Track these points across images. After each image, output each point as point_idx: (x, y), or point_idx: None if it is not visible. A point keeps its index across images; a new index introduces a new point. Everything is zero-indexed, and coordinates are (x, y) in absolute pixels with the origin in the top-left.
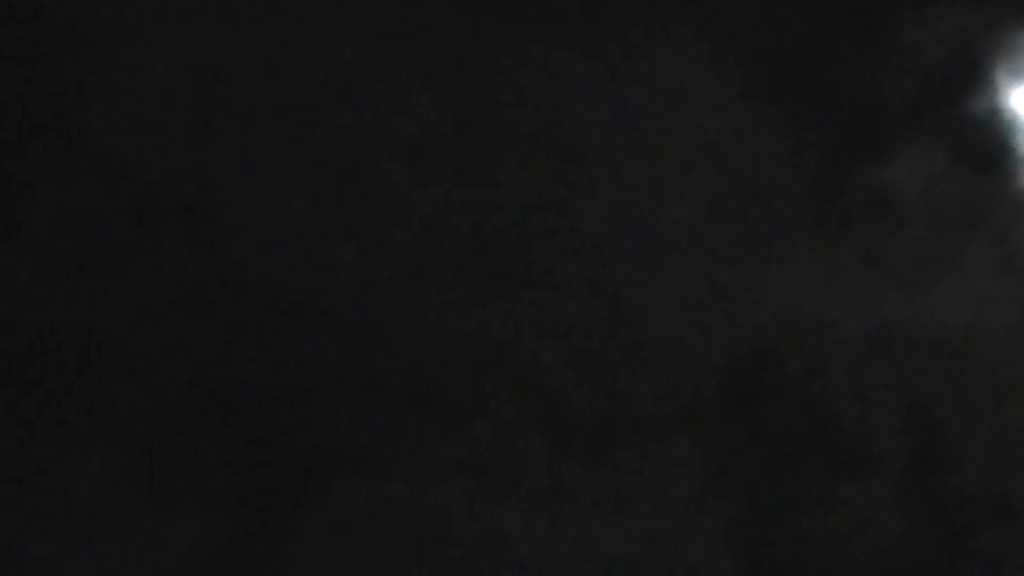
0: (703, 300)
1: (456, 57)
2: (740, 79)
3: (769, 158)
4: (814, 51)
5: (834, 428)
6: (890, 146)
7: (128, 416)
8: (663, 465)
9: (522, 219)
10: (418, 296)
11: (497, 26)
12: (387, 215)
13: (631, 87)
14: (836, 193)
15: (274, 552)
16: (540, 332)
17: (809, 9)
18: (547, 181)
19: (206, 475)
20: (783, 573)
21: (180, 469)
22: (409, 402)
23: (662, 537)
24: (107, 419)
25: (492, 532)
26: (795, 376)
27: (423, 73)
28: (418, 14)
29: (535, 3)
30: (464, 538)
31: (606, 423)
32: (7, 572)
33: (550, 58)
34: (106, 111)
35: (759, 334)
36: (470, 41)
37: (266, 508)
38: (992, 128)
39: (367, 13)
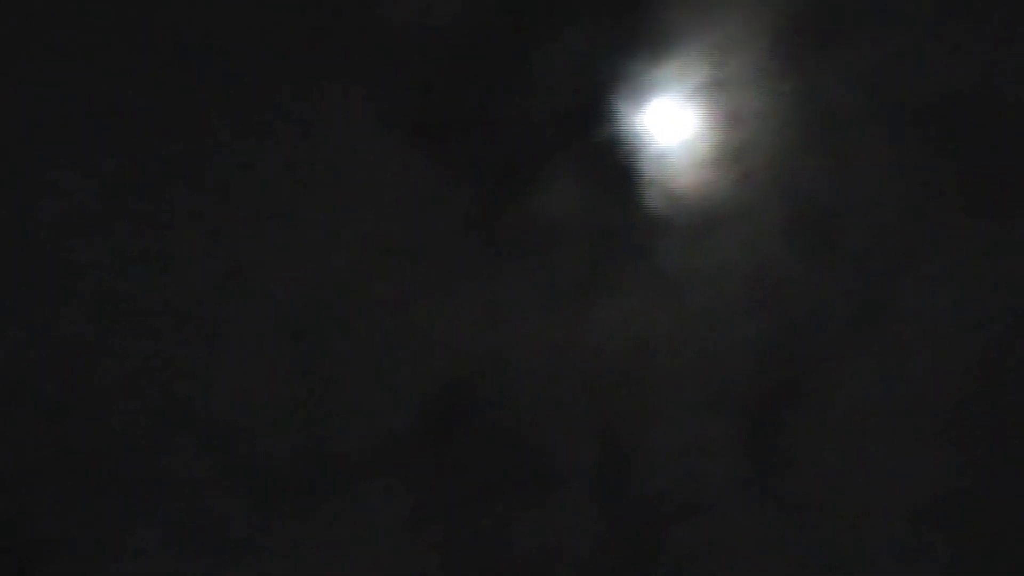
0: (389, 341)
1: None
2: (392, 129)
3: (427, 200)
4: (451, 93)
5: (526, 448)
6: (535, 177)
7: None
8: (370, 505)
9: (221, 284)
10: (98, 367)
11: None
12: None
13: (302, 147)
14: (491, 227)
15: None
16: (231, 387)
17: (440, 51)
18: (233, 239)
19: None
20: None
21: None
22: (97, 483)
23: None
24: None
25: None
26: (483, 404)
27: None
28: None
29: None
30: None
31: (307, 470)
32: None
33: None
34: None
35: (444, 368)
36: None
37: None
38: (620, 153)
39: None
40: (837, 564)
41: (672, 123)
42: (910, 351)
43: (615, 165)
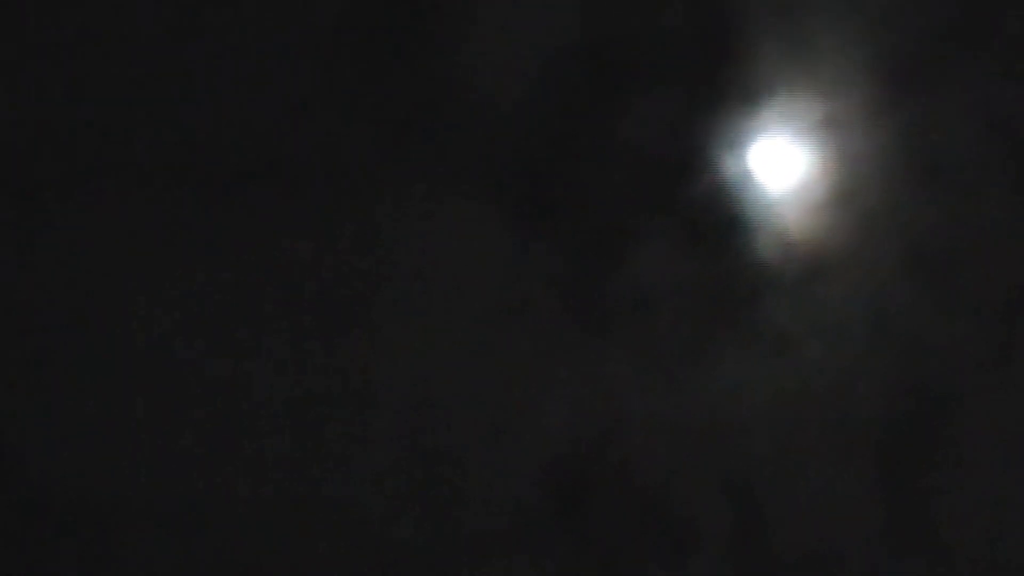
0: (508, 417)
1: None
2: (486, 212)
3: (526, 278)
4: (540, 170)
5: (655, 516)
6: (633, 241)
7: None
8: None
9: (324, 380)
10: (226, 471)
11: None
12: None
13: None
14: (592, 298)
15: None
16: (360, 478)
17: (526, 121)
18: (347, 343)
19: None
20: None
21: None
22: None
23: None
24: None
25: None
26: (607, 477)
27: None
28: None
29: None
30: None
31: (437, 553)
32: None
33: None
34: None
35: (561, 445)
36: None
37: None
38: (722, 204)
39: None
40: None
41: (776, 168)
42: None
43: (716, 218)
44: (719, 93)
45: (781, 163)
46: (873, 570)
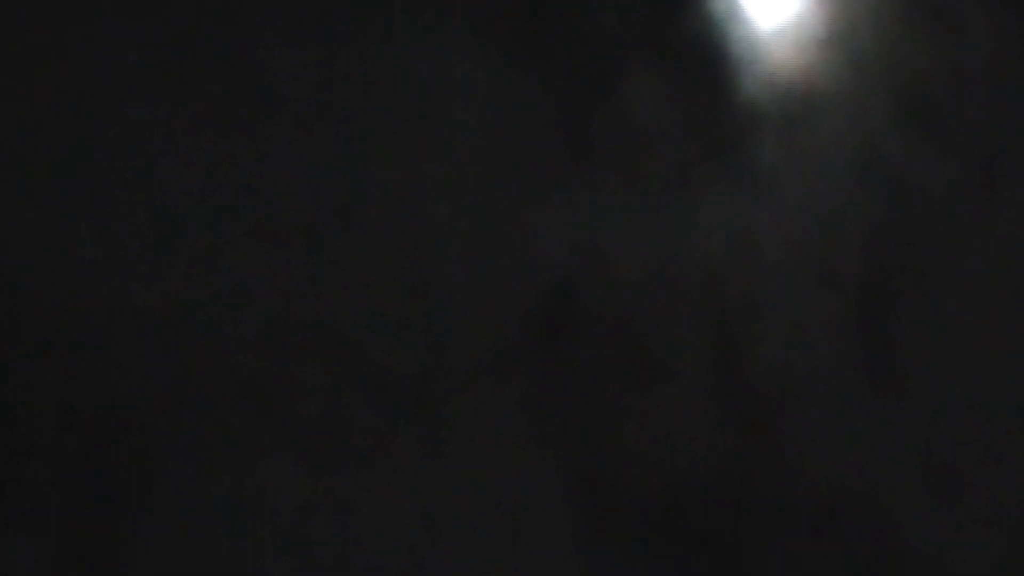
0: (490, 250)
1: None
2: (479, 42)
3: (516, 109)
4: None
5: (635, 345)
6: (620, 74)
7: None
8: (486, 408)
9: (310, 191)
10: (214, 280)
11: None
12: (138, 199)
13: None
14: (581, 128)
15: (119, 557)
16: (349, 300)
17: None
18: (336, 156)
19: (28, 502)
20: (615, 488)
21: (4, 501)
22: (224, 396)
23: (492, 481)
24: None
25: (324, 502)
26: (590, 304)
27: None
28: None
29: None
30: (299, 512)
31: (424, 378)
32: None
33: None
34: None
35: (547, 272)
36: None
37: (97, 522)
38: (710, 42)
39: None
40: (946, 451)
41: (768, 5)
42: None
43: (706, 54)
44: None
45: (773, 0)
46: (844, 405)
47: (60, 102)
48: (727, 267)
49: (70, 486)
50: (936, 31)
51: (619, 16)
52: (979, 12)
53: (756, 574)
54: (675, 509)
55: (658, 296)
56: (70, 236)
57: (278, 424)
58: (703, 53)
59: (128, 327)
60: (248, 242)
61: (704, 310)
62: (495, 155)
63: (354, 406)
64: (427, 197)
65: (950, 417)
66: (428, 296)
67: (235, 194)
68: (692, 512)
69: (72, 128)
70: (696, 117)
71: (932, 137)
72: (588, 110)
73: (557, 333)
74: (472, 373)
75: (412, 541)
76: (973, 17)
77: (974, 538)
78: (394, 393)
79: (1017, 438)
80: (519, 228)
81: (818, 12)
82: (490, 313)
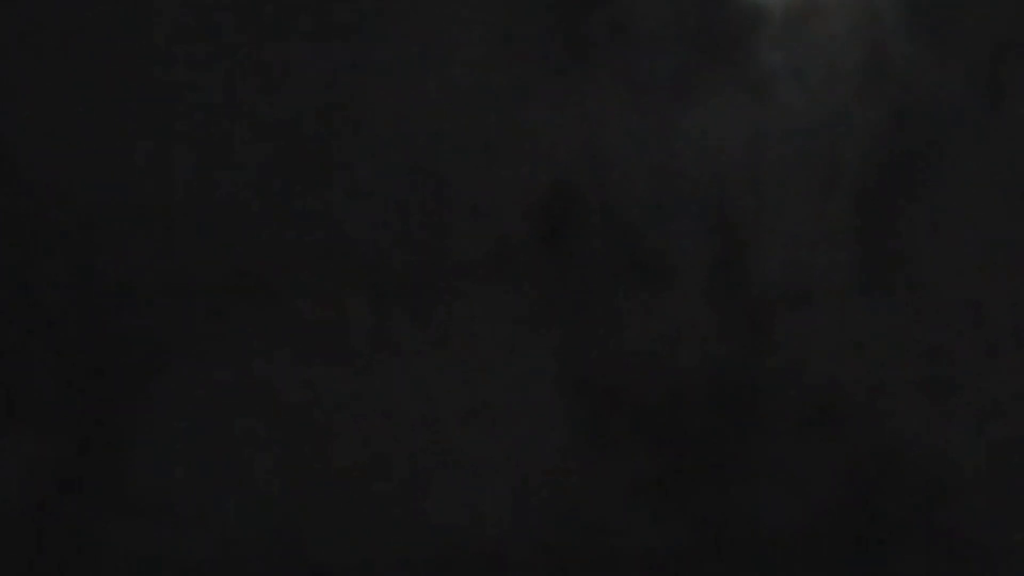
0: (490, 146)
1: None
2: None
3: (514, 9)
4: None
5: (637, 245)
6: None
7: None
8: (485, 306)
9: (313, 97)
10: (219, 178)
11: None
12: (169, 106)
13: None
14: (576, 29)
15: (120, 447)
16: (347, 196)
17: None
18: (336, 64)
19: (33, 393)
20: (614, 387)
21: (3, 393)
22: (224, 287)
23: (494, 373)
24: None
25: (323, 394)
26: (591, 204)
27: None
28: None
29: None
30: (297, 403)
31: (423, 275)
32: None
33: None
34: None
35: (548, 170)
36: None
37: (98, 413)
38: None
39: None
40: (944, 352)
41: None
42: None
43: None
44: None
45: None
46: (844, 308)
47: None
48: (728, 170)
49: (72, 377)
50: None
51: None
52: None
53: (753, 471)
54: (674, 409)
55: (659, 198)
56: (78, 131)
57: (277, 317)
58: None
59: (134, 221)
60: (255, 139)
61: (705, 213)
62: (494, 60)
63: (352, 301)
64: (428, 100)
65: (949, 320)
66: (428, 195)
67: (246, 93)
68: (691, 412)
69: (86, 31)
70: (696, 20)
71: (938, 43)
72: (586, 13)
73: (557, 233)
74: (472, 269)
75: (409, 434)
76: None
77: (971, 430)
78: (393, 288)
79: (1015, 339)
80: (518, 129)
81: None
82: (490, 212)
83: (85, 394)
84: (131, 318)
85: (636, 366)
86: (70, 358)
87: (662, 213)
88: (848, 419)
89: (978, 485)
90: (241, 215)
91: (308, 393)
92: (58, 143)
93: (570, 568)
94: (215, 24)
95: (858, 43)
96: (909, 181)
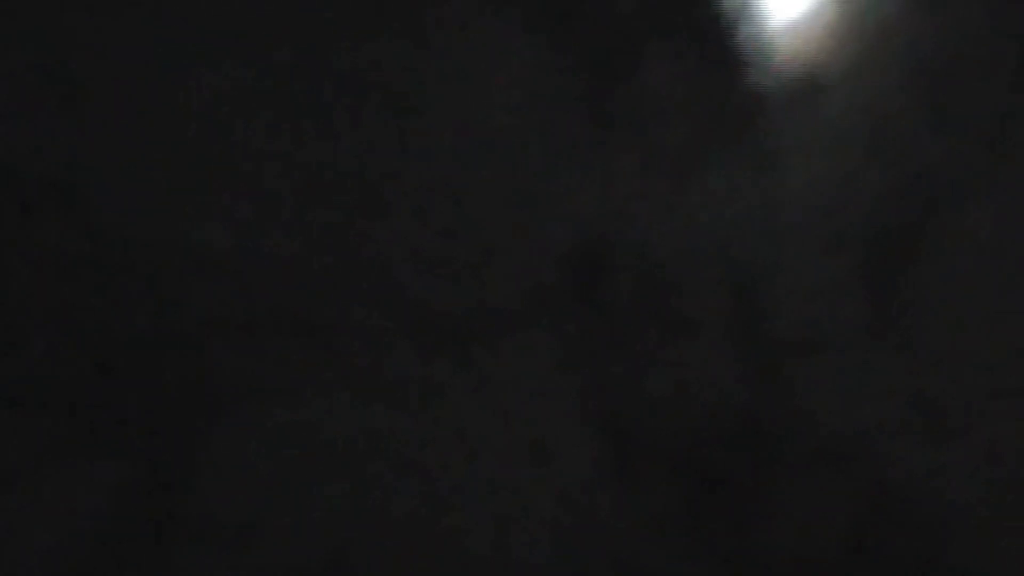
0: (529, 207)
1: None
2: (503, 16)
3: (548, 86)
4: None
5: (660, 300)
6: (641, 57)
7: (20, 386)
8: (520, 351)
9: (360, 157)
10: (276, 232)
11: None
12: (234, 160)
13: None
14: (604, 102)
15: (186, 486)
16: (397, 248)
17: None
18: (383, 123)
19: (105, 428)
20: (639, 430)
21: (79, 427)
22: (282, 332)
23: (524, 416)
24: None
25: (373, 433)
26: (617, 264)
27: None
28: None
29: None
30: (351, 443)
31: (464, 322)
32: None
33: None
34: None
35: (582, 228)
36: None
37: (168, 450)
38: (725, 26)
39: None
40: (946, 399)
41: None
42: None
43: (720, 39)
44: None
45: None
46: (852, 357)
47: (150, 59)
48: (743, 231)
49: (144, 419)
50: (945, 5)
51: (639, 4)
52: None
53: (767, 510)
54: (694, 451)
55: (680, 256)
56: (150, 180)
57: (328, 360)
58: (718, 39)
59: (200, 269)
60: (308, 196)
61: (724, 270)
62: (530, 130)
63: (398, 344)
64: (470, 159)
65: (951, 369)
66: (469, 246)
67: (299, 154)
68: (710, 454)
69: (160, 88)
70: (710, 96)
71: (939, 113)
72: (610, 90)
73: (587, 285)
74: (509, 317)
75: (450, 468)
76: (974, 5)
77: (972, 473)
78: (435, 332)
79: (1015, 390)
80: (552, 191)
81: (830, 3)
82: (526, 264)
83: (155, 435)
84: (199, 362)
85: (660, 410)
86: (142, 403)
87: (683, 271)
88: (856, 460)
89: (979, 524)
90: (301, 268)
91: (359, 433)
92: (137, 198)
93: None
94: (277, 98)
95: (861, 116)
96: (912, 241)
